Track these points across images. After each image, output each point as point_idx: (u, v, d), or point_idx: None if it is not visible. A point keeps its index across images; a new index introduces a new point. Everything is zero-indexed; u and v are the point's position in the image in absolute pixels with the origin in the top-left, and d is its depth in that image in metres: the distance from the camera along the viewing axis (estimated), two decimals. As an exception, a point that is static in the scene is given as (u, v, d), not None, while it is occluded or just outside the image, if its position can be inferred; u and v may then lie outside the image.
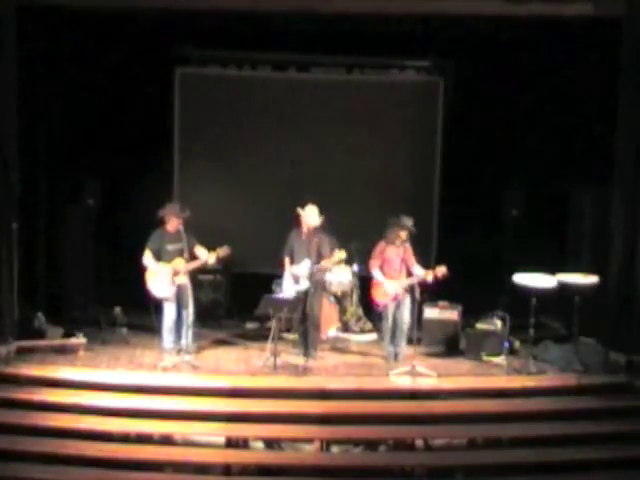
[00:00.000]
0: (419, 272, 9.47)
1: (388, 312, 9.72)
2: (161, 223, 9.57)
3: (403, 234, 9.55)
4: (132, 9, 10.00)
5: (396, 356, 9.72)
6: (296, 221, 9.84)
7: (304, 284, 9.69)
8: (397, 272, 9.63)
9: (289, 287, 9.77)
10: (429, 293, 9.94)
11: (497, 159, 11.74)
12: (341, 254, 9.63)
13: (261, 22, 10.74)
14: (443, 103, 12.27)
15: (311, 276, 9.69)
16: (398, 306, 9.65)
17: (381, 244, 9.70)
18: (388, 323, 9.76)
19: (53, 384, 8.76)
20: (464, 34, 11.06)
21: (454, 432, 8.43)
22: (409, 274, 9.58)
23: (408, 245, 9.60)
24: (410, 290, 9.49)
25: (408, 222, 9.56)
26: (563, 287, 9.47)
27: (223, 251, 9.44)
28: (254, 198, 12.11)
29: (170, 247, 9.51)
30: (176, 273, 9.45)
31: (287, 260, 9.86)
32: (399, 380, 9.19)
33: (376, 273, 9.67)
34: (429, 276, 9.37)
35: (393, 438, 8.36)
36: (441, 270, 9.30)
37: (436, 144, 12.33)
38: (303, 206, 9.76)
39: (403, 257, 9.58)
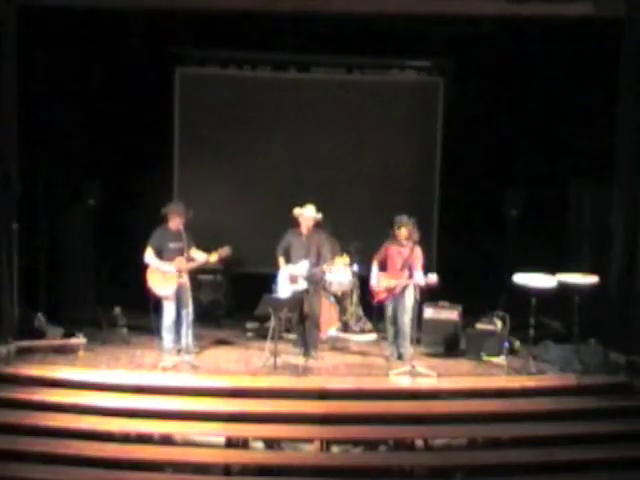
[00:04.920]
0: (418, 277, 9.46)
1: (388, 312, 9.76)
2: (163, 221, 9.59)
3: (401, 232, 9.56)
4: (132, 9, 10.00)
5: (401, 356, 9.73)
6: (294, 222, 9.85)
7: (302, 284, 9.69)
8: (397, 271, 9.63)
9: (285, 287, 9.75)
10: (430, 293, 9.94)
11: (497, 159, 11.75)
12: (344, 260, 9.70)
13: (261, 22, 10.74)
14: (443, 103, 12.28)
15: (310, 277, 9.70)
16: (398, 307, 9.66)
17: (386, 242, 9.75)
18: (388, 323, 9.79)
19: (53, 384, 8.76)
20: (464, 34, 11.07)
21: (454, 432, 8.42)
22: (411, 276, 9.57)
23: (417, 248, 9.58)
24: (402, 291, 9.55)
25: (404, 220, 9.58)
26: (563, 287, 9.46)
27: (224, 251, 9.46)
28: (254, 198, 12.11)
29: (172, 245, 9.52)
30: (177, 272, 9.46)
31: (282, 259, 9.83)
32: (399, 380, 9.19)
33: (373, 266, 9.75)
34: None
35: (393, 438, 8.35)
36: (432, 278, 9.30)
37: (436, 144, 12.34)
38: (301, 206, 9.77)
39: (408, 258, 9.58)
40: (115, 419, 8.26)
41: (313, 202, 9.79)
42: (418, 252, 9.59)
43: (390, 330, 9.82)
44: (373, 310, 10.41)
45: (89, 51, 11.08)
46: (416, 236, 9.59)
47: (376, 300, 9.86)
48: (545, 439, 8.21)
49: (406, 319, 9.59)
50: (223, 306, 11.51)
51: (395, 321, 9.73)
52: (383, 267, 9.77)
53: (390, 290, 9.65)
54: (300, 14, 10.17)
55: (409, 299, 9.56)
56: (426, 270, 9.48)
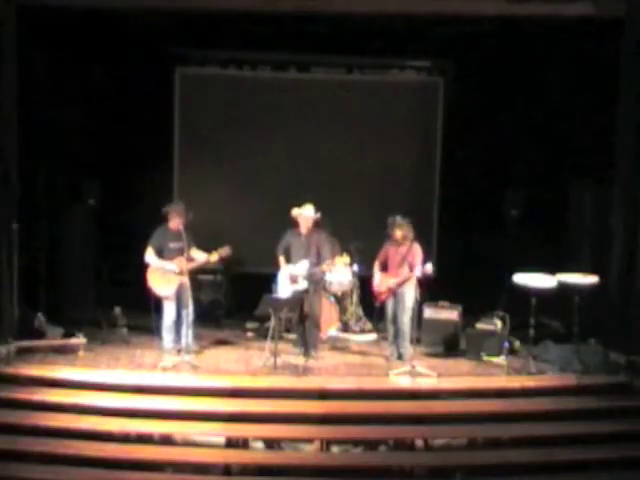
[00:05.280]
0: (416, 272, 9.46)
1: (388, 311, 9.76)
2: (164, 221, 9.59)
3: (396, 233, 9.58)
4: (132, 9, 10.00)
5: (401, 356, 9.73)
6: (294, 222, 9.85)
7: (302, 284, 9.69)
8: (396, 269, 9.66)
9: (285, 287, 9.75)
10: (430, 293, 9.95)
11: (497, 159, 11.74)
12: (344, 260, 9.72)
13: (261, 22, 10.74)
14: (443, 103, 12.29)
15: (310, 277, 9.69)
16: (398, 306, 9.66)
17: (386, 243, 9.78)
18: (388, 322, 9.80)
19: (53, 384, 8.76)
20: (464, 34, 11.06)
21: (454, 432, 8.42)
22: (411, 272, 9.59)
23: (415, 246, 9.61)
24: (398, 287, 9.57)
25: (399, 220, 9.59)
26: (563, 287, 9.46)
27: (224, 251, 9.47)
28: (254, 198, 12.11)
29: (172, 245, 9.53)
30: (179, 271, 9.46)
31: (282, 259, 9.83)
32: (399, 380, 9.19)
33: (375, 267, 9.78)
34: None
35: (393, 438, 8.35)
36: (428, 268, 9.29)
37: (436, 144, 12.34)
38: (300, 206, 9.77)
39: (405, 256, 9.60)
40: (115, 419, 8.26)
41: (312, 202, 9.80)
42: (417, 249, 9.62)
43: (390, 330, 9.82)
44: (373, 310, 10.42)
45: (89, 51, 11.07)
46: (411, 235, 9.60)
47: (379, 301, 9.86)
48: (545, 439, 8.21)
49: (405, 319, 9.60)
50: (223, 306, 11.51)
51: (395, 321, 9.74)
52: (385, 268, 9.79)
53: (391, 289, 9.66)
54: (300, 14, 10.17)
55: (409, 299, 9.56)
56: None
